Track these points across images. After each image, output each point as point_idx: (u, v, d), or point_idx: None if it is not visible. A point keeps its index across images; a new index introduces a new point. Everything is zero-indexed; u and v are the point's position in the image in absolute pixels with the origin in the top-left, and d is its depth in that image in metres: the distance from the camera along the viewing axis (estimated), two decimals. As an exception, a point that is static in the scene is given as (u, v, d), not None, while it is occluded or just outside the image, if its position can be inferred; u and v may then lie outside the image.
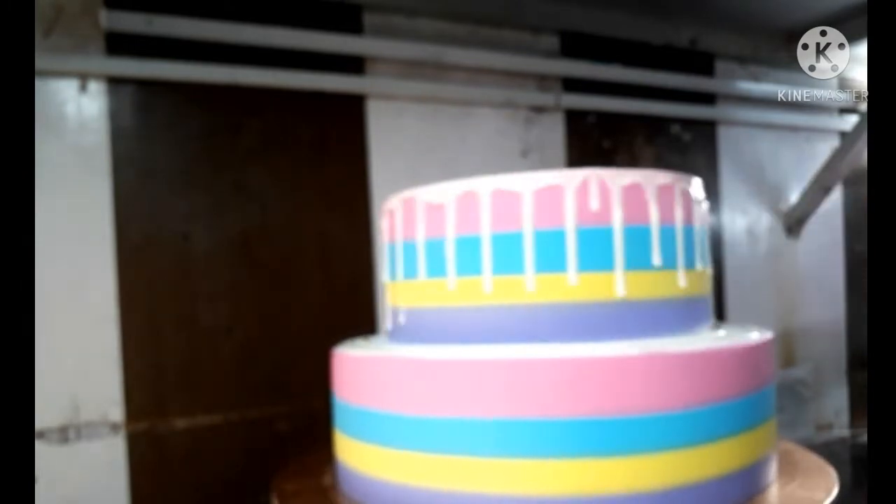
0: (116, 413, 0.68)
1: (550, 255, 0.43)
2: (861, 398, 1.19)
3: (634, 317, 0.43)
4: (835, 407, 1.18)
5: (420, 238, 0.47)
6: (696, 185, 0.48)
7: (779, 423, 0.48)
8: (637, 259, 0.43)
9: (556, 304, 0.43)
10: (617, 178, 0.44)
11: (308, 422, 0.75)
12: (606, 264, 0.43)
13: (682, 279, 0.45)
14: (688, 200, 0.46)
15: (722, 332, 0.47)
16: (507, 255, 0.44)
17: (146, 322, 0.69)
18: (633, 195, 0.44)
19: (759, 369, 0.43)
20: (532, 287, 0.43)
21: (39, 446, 0.65)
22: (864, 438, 1.15)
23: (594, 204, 0.43)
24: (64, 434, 0.66)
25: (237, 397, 0.73)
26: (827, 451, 1.06)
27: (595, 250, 0.43)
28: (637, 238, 0.44)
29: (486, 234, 0.44)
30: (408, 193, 0.49)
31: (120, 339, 0.68)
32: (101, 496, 0.67)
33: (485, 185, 0.44)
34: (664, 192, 0.45)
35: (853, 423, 1.18)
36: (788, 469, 0.47)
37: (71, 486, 0.66)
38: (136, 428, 0.69)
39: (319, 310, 0.77)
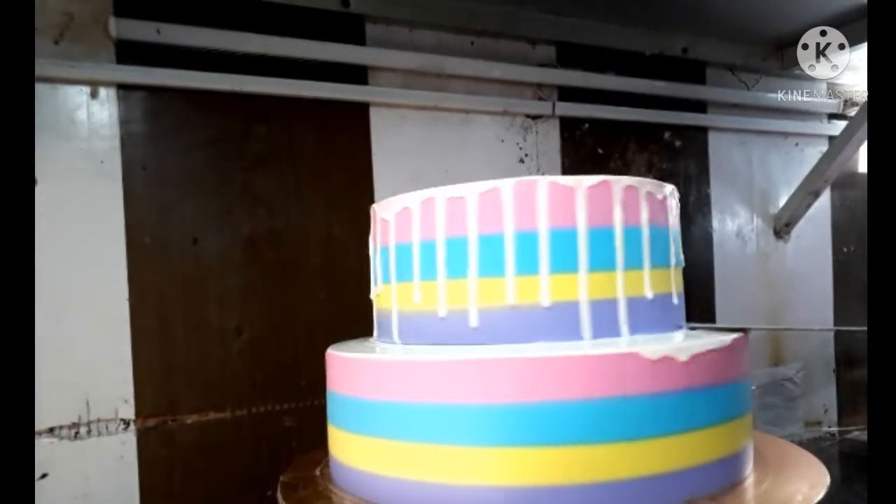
0: (128, 410, 0.70)
1: (527, 258, 0.46)
2: (849, 395, 1.22)
3: (577, 319, 0.45)
4: (823, 404, 1.20)
5: (379, 245, 0.52)
6: (646, 187, 0.49)
7: (768, 420, 0.49)
8: (601, 260, 0.46)
9: (532, 305, 0.46)
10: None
11: (314, 418, 0.76)
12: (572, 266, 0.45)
13: (619, 279, 0.46)
14: (632, 201, 0.47)
15: (683, 332, 0.49)
16: (457, 259, 0.47)
17: (157, 323, 0.71)
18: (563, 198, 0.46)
19: (717, 368, 0.44)
20: (512, 289, 0.46)
21: (52, 442, 0.67)
22: (852, 435, 1.17)
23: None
24: (76, 431, 0.68)
25: (245, 395, 0.75)
26: (816, 447, 1.09)
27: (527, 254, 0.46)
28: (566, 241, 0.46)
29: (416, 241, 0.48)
30: (376, 205, 0.53)
31: (131, 339, 0.70)
32: (112, 491, 0.69)
33: (441, 193, 0.48)
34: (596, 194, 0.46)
35: (841, 419, 1.21)
36: (778, 464, 0.49)
37: (83, 481, 0.68)
38: (147, 424, 0.71)
39: (325, 310, 0.79)
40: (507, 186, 0.46)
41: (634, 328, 0.47)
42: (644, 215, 0.48)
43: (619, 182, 0.47)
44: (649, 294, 0.47)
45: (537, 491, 0.40)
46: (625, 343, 0.45)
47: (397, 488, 0.44)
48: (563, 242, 0.45)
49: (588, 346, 0.43)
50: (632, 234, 0.47)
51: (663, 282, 0.49)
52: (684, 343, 0.43)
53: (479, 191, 0.46)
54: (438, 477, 0.42)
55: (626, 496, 0.40)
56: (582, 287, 0.45)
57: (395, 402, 0.44)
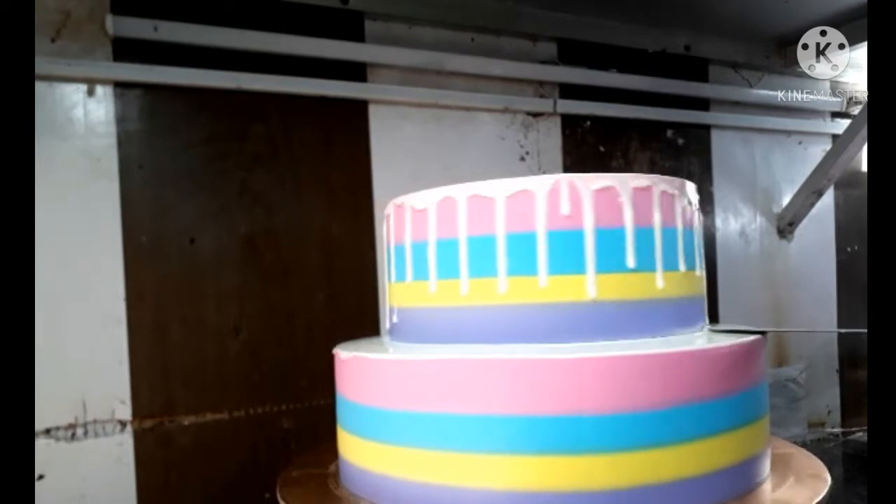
0: (124, 411, 0.69)
1: (525, 258, 0.45)
2: (852, 396, 1.21)
3: (615, 318, 0.45)
4: (827, 405, 1.20)
5: (407, 241, 0.50)
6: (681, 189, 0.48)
7: (771, 420, 0.49)
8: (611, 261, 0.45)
9: (549, 305, 0.45)
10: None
11: (312, 419, 0.76)
12: (579, 267, 0.44)
13: (659, 281, 0.46)
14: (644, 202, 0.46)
15: (708, 334, 0.48)
16: (483, 258, 0.45)
17: (154, 323, 0.71)
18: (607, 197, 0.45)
19: (743, 370, 0.44)
20: (504, 288, 0.45)
21: (48, 444, 0.66)
22: (855, 436, 1.17)
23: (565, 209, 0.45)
24: (73, 431, 0.67)
25: (243, 395, 0.75)
26: (819, 448, 1.08)
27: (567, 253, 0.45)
28: (612, 240, 0.45)
29: (462, 237, 0.46)
30: (398, 199, 0.51)
31: (128, 339, 0.70)
32: (109, 492, 0.69)
33: (462, 191, 0.46)
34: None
35: (845, 420, 1.20)
36: (780, 466, 0.48)
37: (79, 483, 0.68)
38: (144, 425, 0.70)
39: (323, 310, 0.79)
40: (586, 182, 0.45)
41: (660, 329, 0.46)
42: (680, 216, 0.47)
43: (660, 183, 0.47)
44: (677, 295, 0.47)
45: (557, 497, 0.39)
46: (655, 344, 0.44)
47: (407, 491, 0.43)
48: (610, 241, 0.45)
49: (623, 347, 0.42)
50: (670, 235, 0.47)
51: (690, 283, 0.48)
52: (712, 344, 0.43)
53: (547, 186, 0.45)
54: (453, 481, 0.41)
55: (648, 502, 0.40)
56: (623, 286, 0.45)
57: (409, 411, 0.43)
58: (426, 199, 0.48)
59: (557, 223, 0.44)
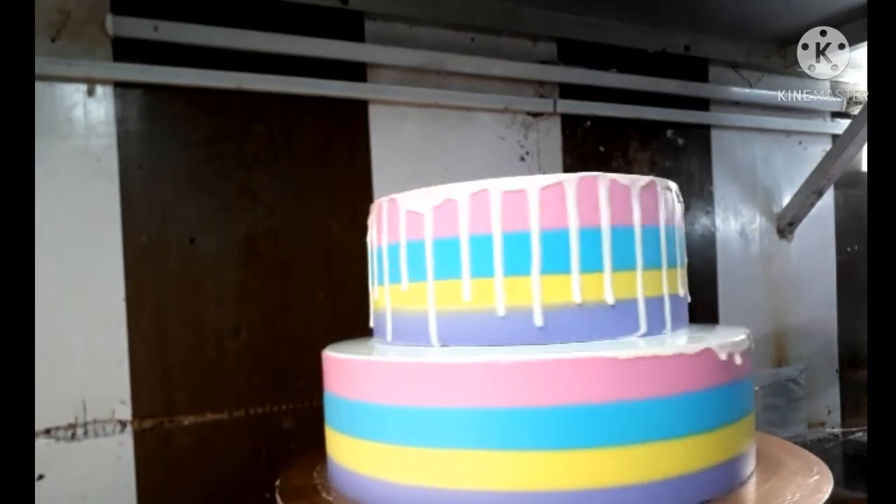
0: (124, 411, 0.69)
1: (517, 258, 0.45)
2: (852, 396, 1.21)
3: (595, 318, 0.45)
4: (827, 405, 1.20)
5: (384, 244, 0.51)
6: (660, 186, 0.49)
7: (772, 420, 0.49)
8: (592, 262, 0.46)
9: (523, 307, 0.45)
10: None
11: (312, 419, 0.76)
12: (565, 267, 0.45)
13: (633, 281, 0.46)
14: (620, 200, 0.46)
15: (673, 335, 0.48)
16: (482, 258, 0.46)
17: (154, 322, 0.71)
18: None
19: (716, 372, 0.43)
20: (501, 291, 0.45)
21: (48, 444, 0.66)
22: (855, 436, 1.17)
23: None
24: (73, 431, 0.67)
25: (243, 395, 0.75)
26: (819, 448, 1.08)
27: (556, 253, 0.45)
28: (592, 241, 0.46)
29: (429, 240, 0.47)
30: (378, 201, 0.52)
31: (128, 339, 0.70)
32: (109, 492, 0.69)
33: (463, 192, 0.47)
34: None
35: (845, 420, 1.20)
36: (781, 466, 0.49)
37: (79, 483, 0.67)
38: (144, 426, 0.70)
39: (323, 310, 0.78)
40: (570, 182, 0.45)
41: (648, 329, 0.47)
42: (662, 215, 0.48)
43: (637, 182, 0.47)
44: (666, 294, 0.47)
45: (542, 496, 0.40)
46: (640, 344, 0.44)
47: (396, 493, 0.43)
48: (588, 241, 0.45)
49: (599, 348, 0.42)
50: (650, 234, 0.47)
51: (675, 281, 0.49)
52: (692, 344, 0.43)
53: (539, 185, 0.45)
54: (440, 482, 0.41)
55: (628, 501, 0.40)
56: (607, 288, 0.45)
57: (395, 406, 0.44)
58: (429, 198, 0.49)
59: (511, 226, 0.45)
